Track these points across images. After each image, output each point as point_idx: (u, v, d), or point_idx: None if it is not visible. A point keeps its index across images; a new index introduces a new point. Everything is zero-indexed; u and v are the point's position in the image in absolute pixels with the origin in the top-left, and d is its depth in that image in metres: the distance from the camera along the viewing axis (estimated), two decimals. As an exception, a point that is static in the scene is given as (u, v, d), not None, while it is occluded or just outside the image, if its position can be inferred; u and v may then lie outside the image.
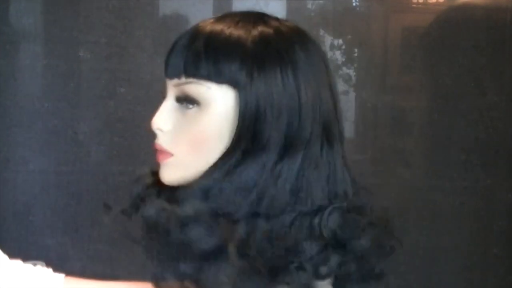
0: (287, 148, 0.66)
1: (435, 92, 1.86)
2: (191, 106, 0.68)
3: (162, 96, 0.72)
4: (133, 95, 1.84)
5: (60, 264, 2.01)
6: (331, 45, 1.82)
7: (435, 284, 1.87)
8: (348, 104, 1.84)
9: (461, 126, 1.83)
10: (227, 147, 0.67)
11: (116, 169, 1.85)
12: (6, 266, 0.85)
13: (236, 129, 0.67)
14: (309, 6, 1.84)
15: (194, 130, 0.68)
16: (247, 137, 0.66)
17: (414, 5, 1.88)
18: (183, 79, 0.67)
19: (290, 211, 0.65)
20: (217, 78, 0.66)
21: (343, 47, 1.85)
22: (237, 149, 0.66)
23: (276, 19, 0.71)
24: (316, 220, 0.65)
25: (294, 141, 0.67)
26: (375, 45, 1.85)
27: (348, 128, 1.82)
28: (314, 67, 0.69)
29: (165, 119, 0.69)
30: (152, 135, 0.71)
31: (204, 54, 0.66)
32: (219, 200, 0.64)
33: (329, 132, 0.69)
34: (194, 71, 0.66)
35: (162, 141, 0.70)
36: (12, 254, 0.98)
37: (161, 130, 0.70)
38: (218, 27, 0.67)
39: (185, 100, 0.68)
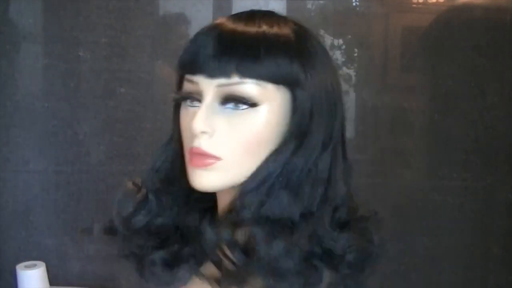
0: (324, 146, 0.68)
1: (435, 92, 1.85)
2: (244, 107, 0.65)
3: (174, 98, 0.69)
4: (133, 95, 1.84)
5: (60, 264, 2.01)
6: (331, 45, 1.82)
7: (435, 284, 1.87)
8: (348, 104, 1.84)
9: (461, 126, 1.83)
10: (277, 147, 0.67)
11: (116, 169, 1.85)
12: None
13: (289, 128, 0.67)
14: (309, 6, 1.83)
15: (248, 132, 0.65)
16: (298, 136, 0.66)
17: (414, 5, 1.88)
18: (235, 79, 0.64)
19: (324, 208, 0.67)
20: (277, 78, 0.65)
21: (343, 47, 1.85)
22: (286, 149, 0.66)
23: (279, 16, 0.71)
24: (337, 216, 0.68)
25: (328, 139, 0.68)
26: (375, 45, 1.85)
27: (348, 128, 1.81)
28: (333, 64, 0.71)
29: (209, 121, 0.65)
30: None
31: (264, 54, 0.64)
32: (277, 206, 0.65)
33: (344, 131, 0.72)
34: (252, 71, 0.64)
35: (207, 144, 0.65)
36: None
37: (206, 133, 0.65)
38: (257, 26, 0.66)
39: (236, 101, 0.65)
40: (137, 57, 1.83)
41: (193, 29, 1.84)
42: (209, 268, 0.67)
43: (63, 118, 1.84)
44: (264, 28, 0.66)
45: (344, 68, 1.83)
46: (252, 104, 0.64)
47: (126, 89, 1.83)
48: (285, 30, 0.67)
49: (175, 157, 0.74)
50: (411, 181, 1.87)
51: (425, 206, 1.85)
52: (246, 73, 0.64)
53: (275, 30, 0.66)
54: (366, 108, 1.85)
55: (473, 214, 1.85)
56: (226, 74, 0.64)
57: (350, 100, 1.85)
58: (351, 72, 1.85)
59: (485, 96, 1.83)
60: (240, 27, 0.65)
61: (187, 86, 0.68)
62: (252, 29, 0.65)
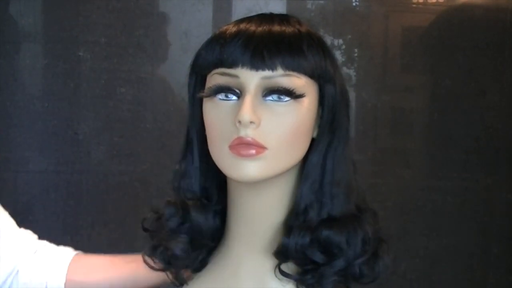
0: (347, 140, 0.74)
1: (435, 92, 1.86)
2: (287, 98, 0.67)
3: (207, 93, 0.70)
4: (133, 95, 1.84)
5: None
6: (331, 45, 1.82)
7: (435, 284, 1.87)
8: (348, 104, 1.84)
9: (461, 126, 1.83)
10: (311, 140, 0.72)
11: (116, 169, 1.85)
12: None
13: (321, 122, 0.72)
14: (309, 6, 1.84)
15: (290, 123, 0.68)
16: (331, 129, 0.72)
17: (414, 5, 1.88)
18: (279, 72, 0.67)
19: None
20: (315, 72, 0.69)
21: (343, 47, 1.85)
22: (323, 140, 0.72)
23: None
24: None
25: (348, 133, 0.74)
26: (375, 45, 1.85)
27: (348, 128, 1.82)
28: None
29: (256, 112, 0.66)
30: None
31: (308, 50, 0.68)
32: (337, 206, 0.72)
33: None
34: (295, 64, 0.67)
35: (255, 134, 0.66)
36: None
37: (253, 123, 0.66)
38: (290, 26, 0.70)
39: (280, 92, 0.67)
40: (137, 57, 1.83)
41: (193, 29, 1.84)
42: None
43: (63, 118, 1.84)
44: (298, 27, 0.70)
45: (344, 68, 1.83)
46: (296, 96, 0.67)
47: (126, 89, 1.83)
48: (311, 30, 0.72)
49: (202, 158, 0.76)
50: (411, 181, 1.87)
51: (425, 206, 1.85)
52: (290, 67, 0.67)
53: (304, 29, 0.71)
54: (366, 108, 1.85)
55: (473, 214, 1.86)
56: (271, 66, 0.67)
57: (350, 100, 1.85)
58: (351, 72, 1.85)
59: (485, 96, 1.83)
60: (274, 26, 0.69)
61: (221, 80, 0.69)
62: (288, 28, 0.69)
